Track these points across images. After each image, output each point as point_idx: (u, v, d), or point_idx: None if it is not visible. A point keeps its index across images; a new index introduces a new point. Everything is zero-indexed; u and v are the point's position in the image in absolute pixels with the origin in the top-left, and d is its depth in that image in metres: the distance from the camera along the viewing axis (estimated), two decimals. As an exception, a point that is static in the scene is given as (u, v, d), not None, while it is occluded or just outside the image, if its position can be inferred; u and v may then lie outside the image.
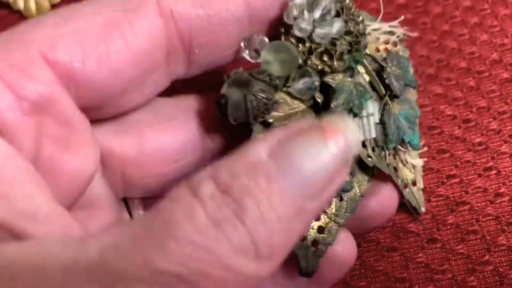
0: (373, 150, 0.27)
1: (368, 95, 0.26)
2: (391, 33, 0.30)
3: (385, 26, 0.29)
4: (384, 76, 0.27)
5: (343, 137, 0.19)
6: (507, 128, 0.34)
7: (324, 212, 0.25)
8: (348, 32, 0.26)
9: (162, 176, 0.26)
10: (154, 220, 0.17)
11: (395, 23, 0.30)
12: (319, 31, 0.25)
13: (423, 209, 0.31)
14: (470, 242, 0.31)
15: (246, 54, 0.26)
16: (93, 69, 0.22)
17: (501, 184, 0.32)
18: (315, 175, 0.18)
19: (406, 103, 0.28)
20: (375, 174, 0.27)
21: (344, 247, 0.26)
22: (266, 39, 0.26)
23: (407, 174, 0.29)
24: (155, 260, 0.16)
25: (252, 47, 0.26)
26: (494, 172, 0.33)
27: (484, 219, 0.31)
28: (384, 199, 0.28)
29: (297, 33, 0.25)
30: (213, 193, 0.17)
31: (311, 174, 0.18)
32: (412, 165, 0.30)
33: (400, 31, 0.30)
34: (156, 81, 0.25)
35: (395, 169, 0.28)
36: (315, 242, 0.25)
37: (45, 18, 0.22)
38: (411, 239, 0.31)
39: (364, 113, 0.26)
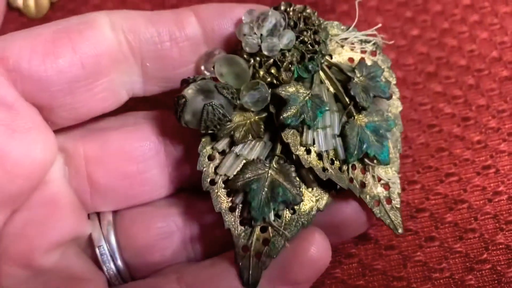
0: (332, 163, 0.26)
1: (325, 108, 0.26)
2: (369, 42, 0.29)
3: (359, 35, 0.29)
4: (349, 87, 0.27)
5: None
6: (506, 126, 0.34)
7: (270, 224, 0.25)
8: (302, 42, 0.26)
9: (127, 179, 0.27)
10: None
11: (371, 31, 0.29)
12: (265, 44, 0.25)
13: (400, 231, 0.28)
14: (468, 240, 0.31)
15: (204, 68, 0.27)
16: (38, 64, 0.24)
17: (499, 182, 0.32)
18: None
19: (377, 115, 0.27)
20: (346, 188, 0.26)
21: (318, 249, 0.26)
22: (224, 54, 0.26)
23: (379, 190, 0.28)
24: None
25: (211, 62, 0.26)
26: (492, 170, 0.33)
27: (483, 217, 0.31)
28: (348, 215, 0.28)
29: (246, 49, 0.26)
30: None
31: None
32: (388, 181, 0.28)
33: (377, 39, 0.29)
34: (108, 87, 0.26)
35: (364, 184, 0.27)
36: (258, 254, 0.25)
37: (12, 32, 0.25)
38: (409, 237, 0.31)
39: (319, 124, 0.26)
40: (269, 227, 0.25)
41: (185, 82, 0.25)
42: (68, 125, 0.27)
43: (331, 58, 0.28)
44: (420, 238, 0.31)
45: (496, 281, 0.29)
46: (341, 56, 0.28)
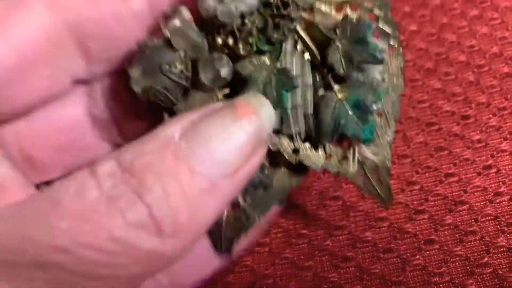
0: (305, 141, 0.23)
1: (292, 85, 0.22)
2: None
3: None
4: (327, 53, 0.22)
5: (255, 115, 0.20)
6: (507, 124, 0.33)
7: (234, 204, 0.24)
8: (266, 4, 0.22)
9: (61, 151, 0.25)
10: (41, 197, 0.17)
11: None
12: (219, 9, 0.21)
13: (389, 204, 0.25)
14: (469, 243, 0.30)
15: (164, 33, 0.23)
16: None
17: (500, 183, 0.31)
18: (228, 154, 0.19)
19: (362, 87, 0.23)
20: None
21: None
22: (188, 14, 0.23)
23: (364, 164, 0.24)
24: (35, 235, 0.16)
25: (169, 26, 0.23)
26: (493, 170, 0.32)
27: (483, 219, 0.30)
28: None
29: (202, 12, 0.21)
30: (112, 172, 0.17)
31: (224, 153, 0.19)
32: (374, 158, 0.24)
33: None
34: (49, 74, 0.24)
35: (345, 157, 0.24)
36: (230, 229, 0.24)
37: None
38: (408, 240, 0.30)
39: (288, 104, 0.22)
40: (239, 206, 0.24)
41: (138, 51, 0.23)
42: (6, 120, 0.24)
43: (313, 13, 0.23)
44: (419, 241, 0.30)
45: (497, 286, 0.28)
46: (330, 7, 0.23)
